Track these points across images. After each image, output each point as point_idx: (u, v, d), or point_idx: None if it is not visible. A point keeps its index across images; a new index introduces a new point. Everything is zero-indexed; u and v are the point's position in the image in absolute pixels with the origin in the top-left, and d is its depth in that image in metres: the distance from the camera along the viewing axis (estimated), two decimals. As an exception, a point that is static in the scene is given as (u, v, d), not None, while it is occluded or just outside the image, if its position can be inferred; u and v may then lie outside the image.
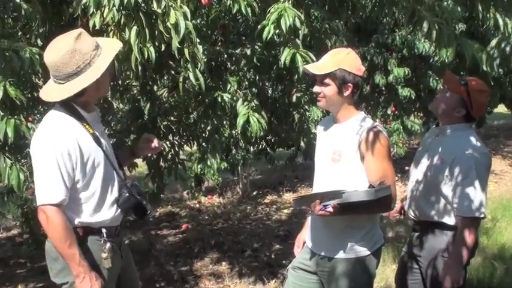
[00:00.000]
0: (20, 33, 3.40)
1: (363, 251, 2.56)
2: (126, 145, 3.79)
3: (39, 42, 3.27)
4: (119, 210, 2.48)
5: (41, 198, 2.24)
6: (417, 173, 3.00)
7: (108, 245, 2.41)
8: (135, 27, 2.47)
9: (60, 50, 2.23)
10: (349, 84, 2.49)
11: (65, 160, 2.23)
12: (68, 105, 2.33)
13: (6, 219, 7.34)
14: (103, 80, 2.32)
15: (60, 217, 2.24)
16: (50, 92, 2.33)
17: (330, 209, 2.34)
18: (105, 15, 2.46)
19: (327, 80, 2.50)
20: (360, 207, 2.40)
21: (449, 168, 2.77)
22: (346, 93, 2.51)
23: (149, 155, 3.95)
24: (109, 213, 2.45)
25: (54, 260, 2.41)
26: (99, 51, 2.29)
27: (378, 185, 2.35)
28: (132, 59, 2.51)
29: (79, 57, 2.23)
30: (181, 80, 3.06)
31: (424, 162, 2.96)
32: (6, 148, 2.75)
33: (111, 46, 2.35)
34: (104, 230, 2.42)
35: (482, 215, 2.73)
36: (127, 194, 2.46)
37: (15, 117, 2.64)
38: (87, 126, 2.35)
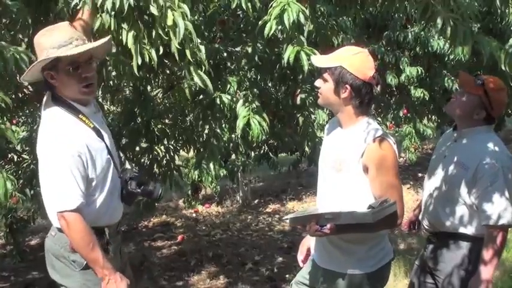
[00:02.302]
0: (3, 31, 3.40)
1: (369, 267, 2.55)
2: None
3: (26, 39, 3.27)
4: (122, 205, 2.58)
5: (58, 204, 2.32)
6: (433, 181, 2.99)
7: (111, 245, 2.50)
8: (132, 32, 2.47)
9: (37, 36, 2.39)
10: (347, 85, 2.43)
11: (76, 162, 2.30)
12: (61, 101, 2.40)
13: (-13, 231, 7.35)
14: (64, 79, 2.38)
15: (80, 222, 2.32)
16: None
17: (326, 230, 2.34)
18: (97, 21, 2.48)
19: (326, 75, 2.48)
20: (360, 227, 2.38)
21: (473, 174, 2.77)
22: (343, 94, 2.45)
23: (142, 160, 3.96)
24: (115, 209, 2.54)
25: (56, 258, 2.50)
26: (64, 49, 2.32)
27: (379, 205, 2.32)
28: (134, 65, 2.50)
29: (38, 50, 2.37)
30: (185, 84, 3.06)
31: (441, 170, 2.95)
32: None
33: (83, 47, 2.37)
34: (106, 230, 2.51)
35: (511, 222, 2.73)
36: (126, 190, 2.54)
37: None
38: (87, 121, 2.41)
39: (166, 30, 2.46)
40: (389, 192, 2.41)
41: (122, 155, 2.78)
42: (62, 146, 2.30)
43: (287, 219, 2.53)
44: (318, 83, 2.55)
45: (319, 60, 2.57)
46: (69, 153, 2.29)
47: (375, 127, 2.48)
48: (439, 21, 2.54)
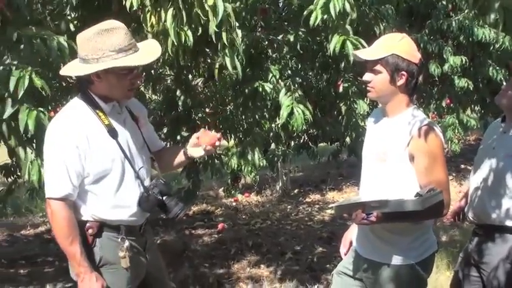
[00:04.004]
0: (48, 18, 3.43)
1: (412, 258, 2.49)
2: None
3: (72, 27, 3.29)
4: (140, 209, 2.46)
5: (47, 191, 2.29)
6: (480, 173, 2.91)
7: (126, 243, 2.41)
8: (171, 10, 2.46)
9: (86, 32, 2.29)
10: (403, 72, 2.38)
11: (72, 154, 2.26)
12: (85, 94, 2.37)
13: (33, 216, 7.51)
14: (113, 81, 2.31)
15: (64, 212, 2.27)
16: (67, 66, 2.44)
17: (373, 218, 2.29)
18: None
19: (378, 67, 2.42)
20: (406, 216, 2.33)
21: None
22: (400, 82, 2.40)
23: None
24: (128, 211, 2.43)
25: None
26: (123, 54, 2.26)
27: (426, 193, 2.27)
28: (168, 44, 2.50)
29: (91, 47, 2.25)
30: (217, 66, 3.05)
31: (489, 162, 2.86)
32: (28, 141, 2.76)
33: (143, 57, 2.32)
34: (122, 228, 2.43)
35: None
36: (145, 194, 2.45)
37: (39, 108, 2.66)
38: (103, 117, 2.35)
39: (205, 11, 2.44)
40: (435, 181, 2.35)
41: (156, 165, 2.69)
42: (60, 135, 2.27)
43: (332, 207, 2.48)
44: (368, 76, 2.47)
45: (366, 53, 2.50)
46: (66, 143, 2.26)
47: (421, 116, 2.43)
48: (493, 11, 2.40)
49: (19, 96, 2.57)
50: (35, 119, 2.60)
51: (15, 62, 2.65)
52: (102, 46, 2.24)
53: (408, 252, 2.48)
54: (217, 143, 2.53)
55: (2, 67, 2.64)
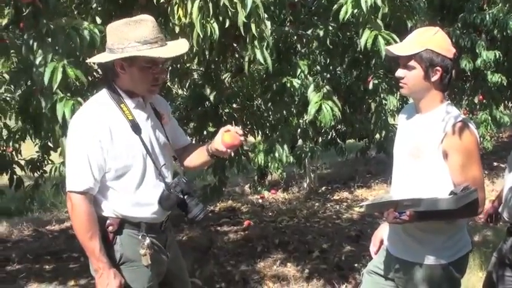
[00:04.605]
0: (75, 12, 3.46)
1: (446, 258, 2.45)
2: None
3: (97, 21, 3.30)
4: (160, 207, 2.46)
5: (68, 184, 2.30)
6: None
7: (147, 240, 2.41)
8: (197, 1, 2.45)
9: (116, 22, 2.33)
10: (438, 67, 2.35)
11: (94, 147, 2.27)
12: (111, 87, 2.39)
13: (58, 211, 7.58)
14: (136, 74, 2.33)
15: (84, 206, 2.28)
16: (94, 56, 2.48)
17: (405, 217, 2.27)
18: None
19: (412, 63, 2.38)
20: (440, 215, 2.30)
21: None
22: (434, 78, 2.36)
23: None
24: (149, 208, 2.44)
25: None
26: (148, 46, 2.27)
27: (461, 191, 2.24)
28: (194, 36, 2.50)
29: (117, 37, 2.28)
30: (246, 59, 3.03)
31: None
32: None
33: (166, 51, 2.33)
34: (143, 225, 2.43)
35: None
36: (166, 192, 2.44)
37: (74, 98, 2.68)
38: (127, 112, 2.36)
39: (233, 3, 2.43)
40: (470, 179, 2.32)
41: (178, 163, 2.70)
42: (84, 128, 2.29)
43: (363, 206, 2.46)
44: (401, 73, 2.43)
45: (399, 48, 2.45)
46: (89, 137, 2.27)
47: (455, 112, 2.39)
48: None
49: (54, 89, 2.61)
50: (71, 108, 2.63)
51: (49, 54, 2.68)
52: (128, 36, 2.27)
53: (441, 251, 2.45)
54: (242, 138, 2.51)
55: (37, 60, 2.69)
